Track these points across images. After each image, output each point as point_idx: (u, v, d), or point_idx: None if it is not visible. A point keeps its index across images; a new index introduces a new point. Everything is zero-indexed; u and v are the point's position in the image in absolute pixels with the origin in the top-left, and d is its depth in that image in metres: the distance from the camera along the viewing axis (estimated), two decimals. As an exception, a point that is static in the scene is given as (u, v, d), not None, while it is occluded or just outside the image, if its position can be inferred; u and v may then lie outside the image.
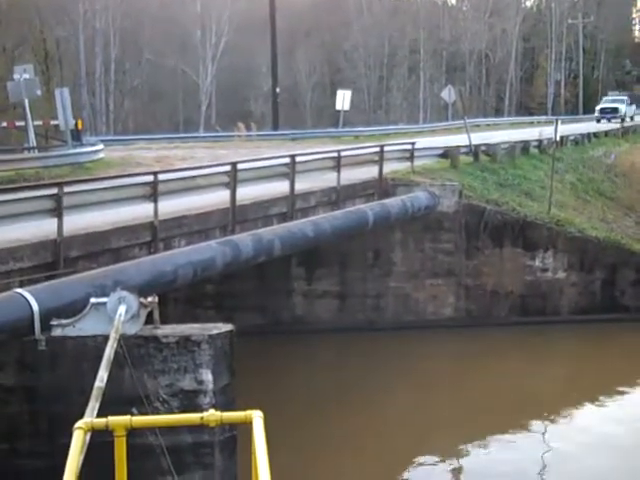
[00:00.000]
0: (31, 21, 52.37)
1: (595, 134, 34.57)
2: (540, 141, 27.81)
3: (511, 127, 43.85)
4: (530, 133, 30.79)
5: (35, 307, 8.69)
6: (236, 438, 9.19)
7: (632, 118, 48.12)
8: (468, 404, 14.97)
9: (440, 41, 67.34)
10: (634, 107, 50.54)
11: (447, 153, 23.01)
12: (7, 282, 9.68)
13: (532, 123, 46.14)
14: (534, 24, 72.46)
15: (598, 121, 45.81)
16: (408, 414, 14.45)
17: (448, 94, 33.45)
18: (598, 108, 49.00)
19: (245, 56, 57.38)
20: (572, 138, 31.32)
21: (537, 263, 19.98)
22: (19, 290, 8.92)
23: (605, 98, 52.87)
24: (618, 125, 41.42)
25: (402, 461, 12.69)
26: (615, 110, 46.93)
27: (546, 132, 26.72)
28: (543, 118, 50.71)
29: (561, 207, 22.25)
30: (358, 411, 14.08)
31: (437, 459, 12.96)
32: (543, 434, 13.99)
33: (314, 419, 13.51)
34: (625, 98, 50.49)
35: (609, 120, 45.12)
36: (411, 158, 20.75)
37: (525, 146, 26.80)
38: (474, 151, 23.85)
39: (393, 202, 18.04)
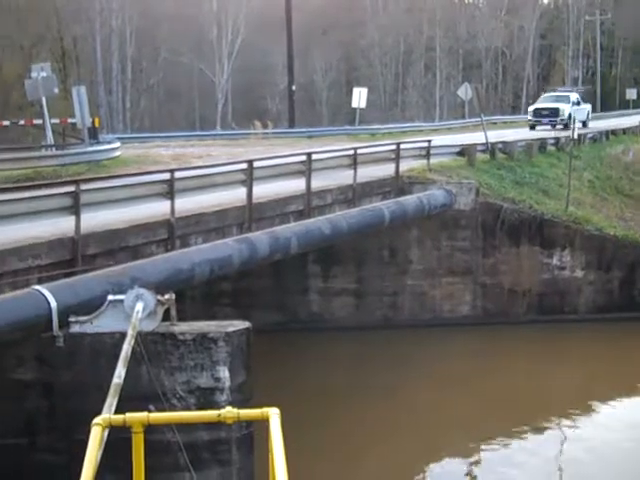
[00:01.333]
0: (48, 20, 52.69)
1: (613, 131, 34.33)
2: (557, 139, 27.66)
3: (528, 125, 43.57)
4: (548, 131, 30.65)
5: (53, 304, 8.73)
6: (253, 435, 9.20)
7: (585, 124, 35.14)
8: (484, 403, 14.93)
9: (456, 38, 67.13)
10: (588, 108, 37.94)
11: (464, 151, 22.93)
12: (26, 279, 9.73)
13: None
14: (551, 21, 72.11)
15: (532, 127, 34.33)
16: (424, 412, 14.42)
17: (464, 92, 33.39)
18: (531, 109, 35.88)
19: (261, 54, 57.42)
20: (590, 135, 31.13)
21: (555, 261, 19.88)
22: (37, 287, 8.97)
23: (544, 95, 39.18)
24: (565, 133, 28.06)
25: (418, 459, 12.67)
26: (555, 112, 34.04)
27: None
28: (560, 116, 50.25)
29: (579, 205, 22.12)
30: (374, 409, 14.06)
31: (453, 457, 12.93)
32: (560, 434, 13.93)
33: (331, 416, 13.51)
34: (571, 95, 36.86)
35: (553, 126, 33.28)
36: (427, 156, 20.69)
37: (542, 144, 26.66)
38: (491, 149, 23.75)
39: (409, 200, 18.00)
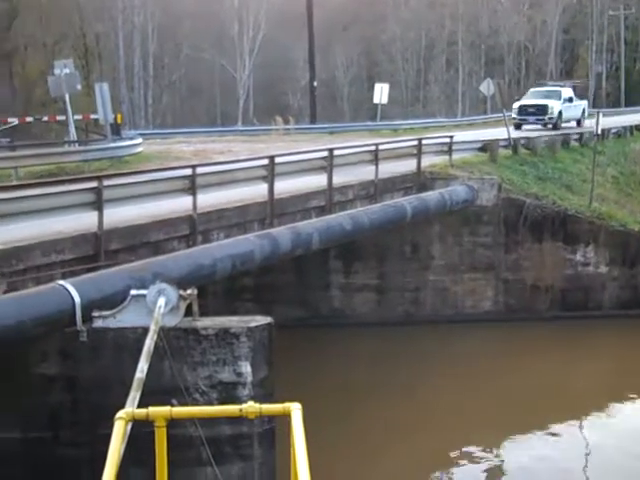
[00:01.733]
0: (71, 17, 53.06)
1: (637, 127, 34.00)
2: (581, 134, 27.45)
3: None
4: (570, 126, 30.44)
5: (77, 299, 8.79)
6: (275, 430, 9.21)
7: (579, 122, 32.26)
8: (507, 399, 14.85)
9: (479, 33, 66.74)
10: (583, 104, 33.74)
11: (486, 146, 22.80)
12: (50, 274, 9.81)
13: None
14: (574, 15, 71.46)
15: (518, 127, 30.08)
16: (445, 409, 14.37)
17: (487, 87, 33.11)
18: (516, 106, 31.49)
19: (282, 50, 57.43)
20: (614, 131, 30.84)
21: (578, 257, 19.74)
22: (61, 282, 9.03)
23: (532, 90, 34.33)
24: (553, 132, 27.97)
25: (438, 456, 12.63)
26: (542, 109, 30.28)
27: (587, 125, 26.44)
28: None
29: (602, 201, 21.94)
30: (395, 405, 14.04)
31: (476, 454, 12.87)
32: (584, 431, 13.84)
33: (351, 412, 13.50)
34: (562, 91, 32.50)
35: (545, 125, 30.45)
36: (449, 151, 20.60)
37: (566, 139, 26.46)
38: (513, 144, 23.61)
39: (431, 195, 17.94)
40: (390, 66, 64.34)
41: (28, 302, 8.63)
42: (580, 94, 36.71)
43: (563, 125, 30.80)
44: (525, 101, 32.05)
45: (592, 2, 70.69)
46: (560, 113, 30.86)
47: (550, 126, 30.23)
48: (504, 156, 22.89)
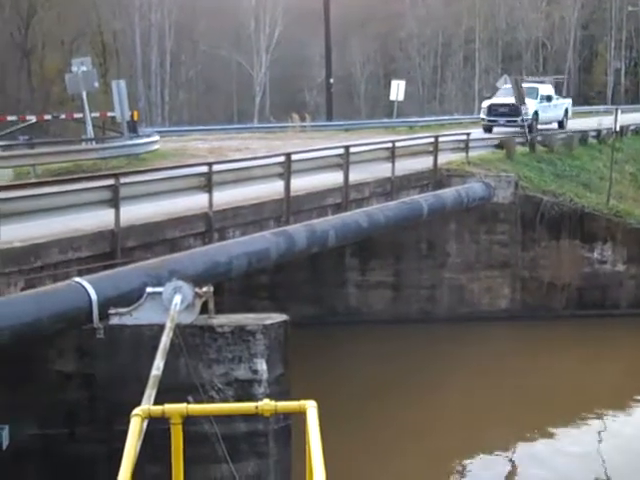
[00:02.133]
0: (89, 15, 53.27)
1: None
2: (599, 131, 27.28)
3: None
4: (588, 123, 30.23)
5: (93, 296, 8.83)
6: (290, 428, 9.22)
7: (561, 124, 29.01)
8: (523, 398, 14.79)
9: (496, 30, 66.44)
10: (566, 103, 30.24)
11: (503, 144, 22.72)
12: (66, 271, 9.86)
13: (590, 113, 45.15)
14: (593, 11, 70.97)
15: (488, 130, 27.02)
16: (462, 406, 14.33)
17: (504, 84, 32.96)
18: (485, 106, 28.09)
19: (299, 47, 57.43)
20: (632, 128, 30.64)
21: (595, 255, 19.63)
22: (78, 279, 9.08)
23: (504, 87, 29.08)
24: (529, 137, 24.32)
25: (455, 455, 12.61)
26: (515, 109, 25.86)
27: (605, 122, 26.20)
28: (602, 108, 49.54)
29: (620, 198, 21.79)
30: (411, 403, 14.02)
31: (492, 453, 12.84)
32: (600, 430, 13.77)
33: (367, 410, 13.49)
34: (540, 88, 28.84)
35: (524, 128, 25.01)
36: (466, 149, 20.53)
37: (583, 136, 26.32)
38: (530, 141, 23.49)
39: (448, 193, 17.89)
40: (407, 63, 64.17)
41: (45, 299, 8.69)
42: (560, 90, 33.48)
43: (543, 127, 27.08)
44: (495, 100, 28.05)
45: (611, -2, 70.15)
46: (536, 114, 26.66)
47: (523, 129, 25.01)
48: (521, 153, 22.80)
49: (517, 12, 67.33)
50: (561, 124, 29.24)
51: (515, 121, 25.94)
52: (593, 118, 32.63)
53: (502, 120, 26.95)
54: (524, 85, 28.13)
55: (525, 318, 18.91)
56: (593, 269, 19.65)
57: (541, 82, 31.24)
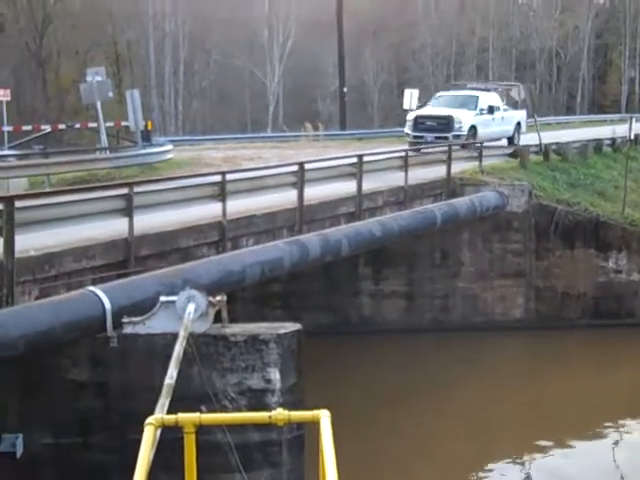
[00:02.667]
0: (103, 25, 53.61)
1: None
2: (613, 140, 27.16)
3: (583, 125, 42.91)
4: (603, 131, 30.12)
5: (107, 305, 8.85)
6: (304, 437, 9.20)
7: (511, 140, 24.49)
8: (537, 408, 14.71)
9: (509, 39, 66.40)
10: (517, 116, 25.37)
11: (516, 152, 22.66)
12: (80, 280, 9.88)
13: (605, 121, 45.03)
14: (607, 20, 70.81)
15: (415, 148, 21.05)
16: (475, 416, 14.26)
17: (517, 92, 32.89)
18: (411, 118, 23.49)
19: (312, 56, 57.55)
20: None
21: (610, 264, 19.52)
22: (92, 288, 9.10)
23: (439, 94, 26.37)
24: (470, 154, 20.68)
25: (467, 465, 12.54)
26: (446, 123, 22.49)
27: (620, 130, 26.03)
28: (617, 116, 49.43)
29: (636, 207, 21.65)
30: (425, 412, 13.96)
31: (504, 463, 12.77)
32: (616, 441, 13.65)
33: (381, 420, 13.44)
34: (481, 96, 24.28)
35: (461, 146, 21.34)
36: (479, 157, 20.49)
37: (598, 145, 26.19)
38: (544, 150, 23.43)
39: (461, 202, 17.85)
40: (420, 72, 64.19)
41: (59, 308, 8.71)
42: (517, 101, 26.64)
43: (491, 144, 22.55)
44: (423, 111, 23.83)
45: (625, 6, 70.01)
46: (473, 128, 22.66)
47: (456, 146, 20.53)
48: (535, 162, 22.72)
49: (531, 21, 67.32)
50: (511, 140, 24.44)
51: (446, 137, 21.63)
52: (607, 127, 32.56)
53: (429, 136, 22.43)
54: (465, 92, 25.15)
55: (539, 328, 18.82)
56: (608, 278, 19.54)
57: (486, 90, 25.76)
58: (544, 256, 19.38)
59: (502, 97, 25.89)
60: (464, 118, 22.77)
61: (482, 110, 23.61)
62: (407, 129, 23.72)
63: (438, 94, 26.14)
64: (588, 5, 68.12)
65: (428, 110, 23.88)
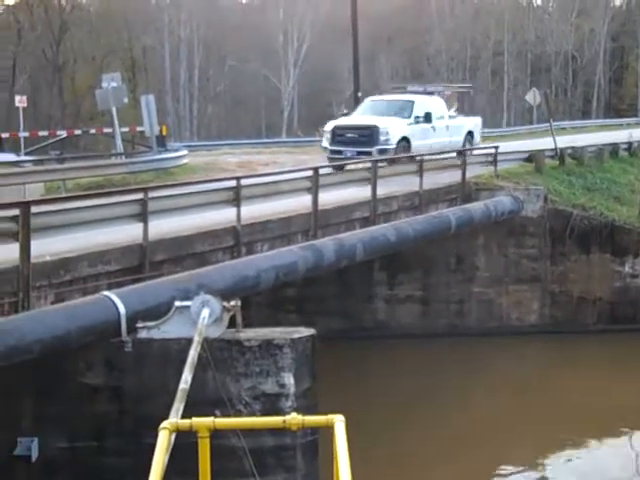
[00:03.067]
0: (119, 32, 53.95)
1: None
2: (630, 144, 27.03)
3: (599, 130, 42.74)
4: (619, 136, 29.98)
5: (122, 309, 8.89)
6: (318, 442, 9.19)
7: (462, 154, 19.91)
8: (553, 413, 14.62)
9: (524, 43, 66.24)
10: (468, 125, 22.23)
11: (532, 157, 22.58)
12: (96, 285, 9.93)
13: (621, 125, 44.80)
14: (623, 23, 70.52)
15: (337, 166, 17.53)
16: (491, 422, 14.20)
17: (533, 97, 32.74)
18: (329, 129, 20.00)
19: (327, 61, 57.62)
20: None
21: (627, 269, 19.41)
22: (107, 293, 9.14)
23: (369, 100, 22.47)
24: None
25: (484, 470, 12.49)
26: (369, 135, 19.10)
27: (636, 134, 25.85)
28: (633, 120, 49.20)
29: (652, 211, 21.53)
30: (439, 419, 13.91)
31: (522, 470, 12.70)
32: (631, 447, 13.55)
33: (395, 425, 13.41)
34: (416, 101, 20.82)
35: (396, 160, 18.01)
36: (494, 162, 20.43)
37: (614, 149, 26.07)
38: (560, 155, 23.34)
39: (476, 207, 17.81)
40: (435, 77, 64.11)
41: (75, 313, 8.76)
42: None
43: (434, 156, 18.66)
44: (344, 120, 20.64)
45: (641, 10, 69.68)
46: (404, 140, 19.12)
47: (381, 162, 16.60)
48: (550, 166, 22.64)
49: (546, 24, 67.12)
50: (462, 154, 20.04)
51: (369, 152, 18.00)
52: (624, 131, 32.40)
53: (349, 151, 18.77)
54: (399, 97, 21.46)
55: (555, 333, 18.73)
56: (624, 283, 19.43)
57: (427, 93, 22.30)
58: (559, 261, 19.29)
59: (452, 101, 22.72)
60: (393, 128, 19.06)
61: (418, 118, 19.94)
62: (324, 142, 19.89)
63: (369, 99, 22.04)
64: (604, 8, 67.85)
65: (349, 119, 20.49)
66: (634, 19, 70.36)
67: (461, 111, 23.45)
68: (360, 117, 20.40)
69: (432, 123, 20.45)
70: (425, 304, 18.99)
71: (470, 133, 22.08)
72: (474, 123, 22.76)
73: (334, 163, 18.03)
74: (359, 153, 18.46)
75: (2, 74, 49.26)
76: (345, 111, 22.51)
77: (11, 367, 8.26)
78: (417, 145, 19.39)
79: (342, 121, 20.55)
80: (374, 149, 18.28)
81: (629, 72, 70.46)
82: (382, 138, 18.75)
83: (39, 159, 21.00)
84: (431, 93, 22.55)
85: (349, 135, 19.30)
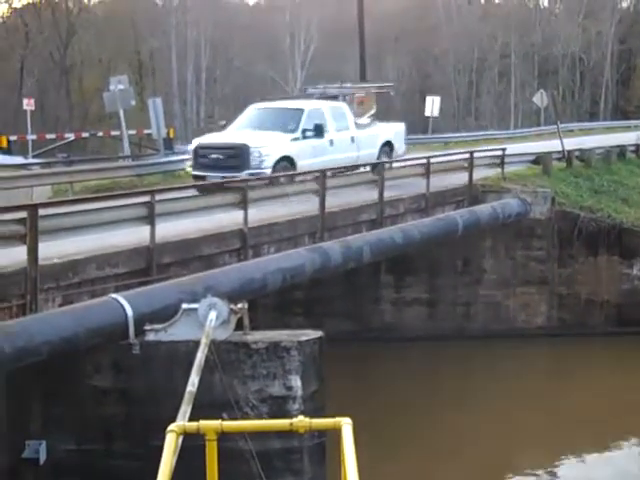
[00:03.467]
0: (126, 34, 54.06)
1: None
2: (638, 146, 26.95)
3: (607, 131, 42.61)
4: (627, 137, 29.89)
5: (129, 312, 8.91)
6: (325, 444, 9.19)
7: (376, 168, 16.05)
8: (560, 416, 14.59)
9: (532, 44, 66.15)
10: (384, 135, 18.55)
11: (539, 159, 22.53)
12: (103, 287, 9.95)
13: (629, 127, 44.65)
14: (631, 25, 70.31)
15: (200, 187, 14.37)
16: (497, 425, 14.17)
17: (540, 99, 32.69)
18: (193, 147, 16.54)
19: (334, 62, 57.63)
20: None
21: (635, 272, 19.35)
22: (114, 295, 9.17)
23: (253, 108, 18.08)
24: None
25: (493, 473, 12.46)
26: (237, 156, 15.59)
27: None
28: (640, 122, 49.01)
29: (660, 214, 21.47)
30: (446, 421, 13.89)
31: (527, 473, 12.66)
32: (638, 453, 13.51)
33: (402, 427, 13.39)
34: (307, 109, 16.87)
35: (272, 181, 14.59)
36: (501, 164, 20.39)
37: (622, 151, 25.99)
38: (567, 157, 23.29)
39: (483, 209, 17.79)
40: (442, 78, 64.08)
41: (83, 314, 8.79)
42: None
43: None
44: (211, 137, 17.06)
45: (648, 11, 69.49)
46: (286, 161, 15.60)
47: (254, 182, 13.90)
48: (558, 168, 22.59)
49: (553, 26, 66.99)
50: (376, 168, 16.10)
51: (236, 175, 14.57)
52: (631, 133, 32.31)
53: (214, 176, 15.19)
54: (279, 105, 17.71)
55: (562, 335, 18.67)
56: (632, 285, 19.37)
57: (329, 97, 18.33)
58: (567, 263, 19.25)
59: (369, 105, 19.04)
60: (269, 147, 15.40)
61: (306, 132, 16.10)
62: (188, 164, 16.75)
63: (253, 107, 17.70)
64: (611, 10, 67.69)
65: (215, 137, 16.87)
66: (641, 21, 70.15)
67: (384, 116, 20.16)
68: (227, 134, 16.70)
69: (326, 136, 16.55)
70: (432, 306, 18.97)
71: (388, 144, 18.15)
72: (393, 132, 18.72)
73: (199, 183, 14.89)
74: (224, 177, 14.61)
75: (10, 77, 49.40)
76: (222, 123, 18.29)
77: (19, 370, 8.29)
78: (305, 165, 15.53)
79: (207, 139, 16.71)
80: (243, 174, 14.64)
81: (636, 74, 70.25)
82: (254, 161, 15.08)
83: (47, 162, 21.10)
84: (334, 97, 18.34)
85: (213, 156, 15.58)
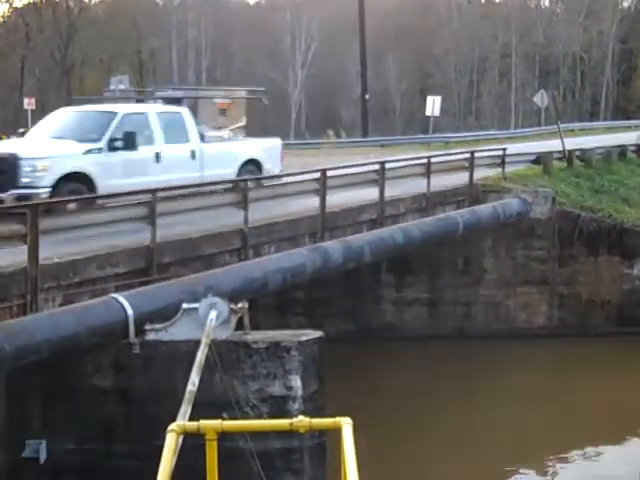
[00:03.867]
0: (127, 33, 54.10)
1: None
2: (638, 145, 26.95)
3: (607, 131, 42.59)
4: (627, 137, 29.86)
5: (130, 312, 8.92)
6: (325, 444, 9.19)
7: (233, 190, 12.53)
8: (561, 416, 14.58)
9: (533, 44, 66.14)
10: (254, 149, 15.18)
11: (540, 159, 22.53)
12: (104, 287, 9.95)
13: (630, 127, 44.63)
14: (632, 25, 70.30)
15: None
16: (499, 425, 14.16)
17: (541, 98, 32.65)
18: None
19: (334, 62, 57.69)
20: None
21: (635, 272, 19.35)
22: (115, 295, 9.18)
23: (65, 112, 14.17)
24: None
25: (491, 473, 12.45)
26: (4, 171, 11.47)
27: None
28: (641, 122, 48.99)
29: (661, 213, 21.46)
30: (447, 421, 13.89)
31: (527, 473, 12.67)
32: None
33: (402, 427, 13.39)
34: (121, 115, 12.93)
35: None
36: (502, 164, 20.39)
37: (622, 151, 25.98)
38: (568, 156, 23.29)
39: (484, 209, 17.79)
40: (442, 78, 64.10)
41: (83, 314, 8.80)
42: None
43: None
44: None
45: (649, 11, 69.45)
46: (76, 180, 12.14)
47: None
48: (558, 168, 22.59)
49: (554, 26, 66.97)
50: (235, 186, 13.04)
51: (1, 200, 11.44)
52: (632, 133, 32.30)
53: None
54: (90, 109, 14.32)
55: (563, 335, 18.67)
56: (633, 285, 19.37)
57: (173, 100, 14.99)
58: (568, 263, 19.25)
59: (235, 114, 16.46)
60: (50, 159, 12.04)
61: (115, 141, 12.72)
62: None
63: (61, 110, 14.56)
64: (612, 10, 67.68)
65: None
66: (642, 21, 70.12)
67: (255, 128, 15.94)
68: (13, 142, 14.01)
69: (148, 150, 13.11)
70: (432, 306, 18.97)
71: (253, 162, 14.88)
72: (261, 148, 15.33)
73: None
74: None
75: (10, 76, 49.45)
76: (21, 130, 15.83)
77: (20, 369, 8.30)
78: (106, 185, 12.22)
79: None
80: (7, 195, 11.43)
81: (637, 74, 70.23)
82: (25, 176, 11.65)
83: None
84: (178, 100, 14.86)
85: None
